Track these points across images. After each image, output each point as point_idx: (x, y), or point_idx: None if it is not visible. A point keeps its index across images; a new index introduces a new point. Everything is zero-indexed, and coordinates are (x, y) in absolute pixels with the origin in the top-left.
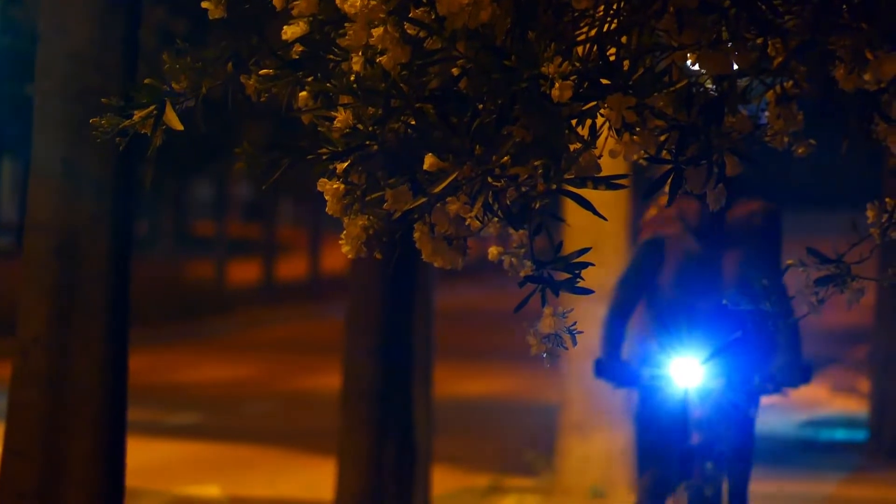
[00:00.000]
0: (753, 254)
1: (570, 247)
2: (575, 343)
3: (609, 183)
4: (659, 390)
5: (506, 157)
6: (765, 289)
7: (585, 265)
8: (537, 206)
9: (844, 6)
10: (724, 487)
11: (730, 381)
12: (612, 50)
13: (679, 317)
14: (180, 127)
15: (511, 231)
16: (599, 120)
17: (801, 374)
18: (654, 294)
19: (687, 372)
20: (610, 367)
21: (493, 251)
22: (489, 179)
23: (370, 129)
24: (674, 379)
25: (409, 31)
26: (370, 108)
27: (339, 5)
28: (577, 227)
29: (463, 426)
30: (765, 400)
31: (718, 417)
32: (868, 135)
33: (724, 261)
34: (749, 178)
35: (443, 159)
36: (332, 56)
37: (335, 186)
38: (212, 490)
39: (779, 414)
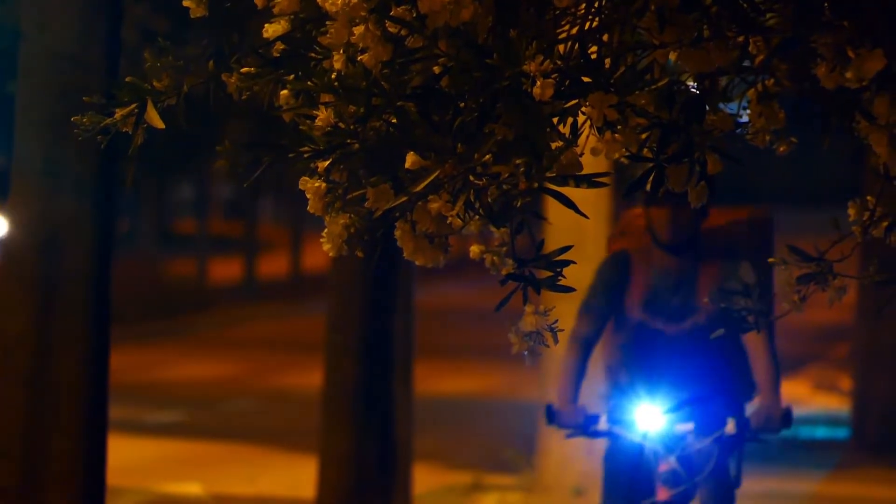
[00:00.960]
0: (736, 270)
1: (551, 245)
2: (556, 341)
3: (591, 181)
4: (621, 440)
5: (487, 156)
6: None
7: (567, 263)
8: (519, 204)
9: (826, 4)
10: None
11: (700, 427)
12: (594, 48)
13: (648, 344)
14: (161, 125)
15: (492, 229)
16: (581, 118)
17: (782, 419)
18: (620, 317)
19: (651, 417)
20: (565, 413)
21: (474, 249)
22: (471, 178)
23: (352, 127)
24: (637, 426)
25: (390, 30)
26: (351, 106)
27: (320, 3)
28: (559, 226)
29: (444, 424)
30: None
31: (688, 470)
32: (850, 133)
33: (700, 279)
34: (729, 183)
35: (424, 157)
36: (313, 54)
37: (317, 185)
38: (193, 488)
39: None
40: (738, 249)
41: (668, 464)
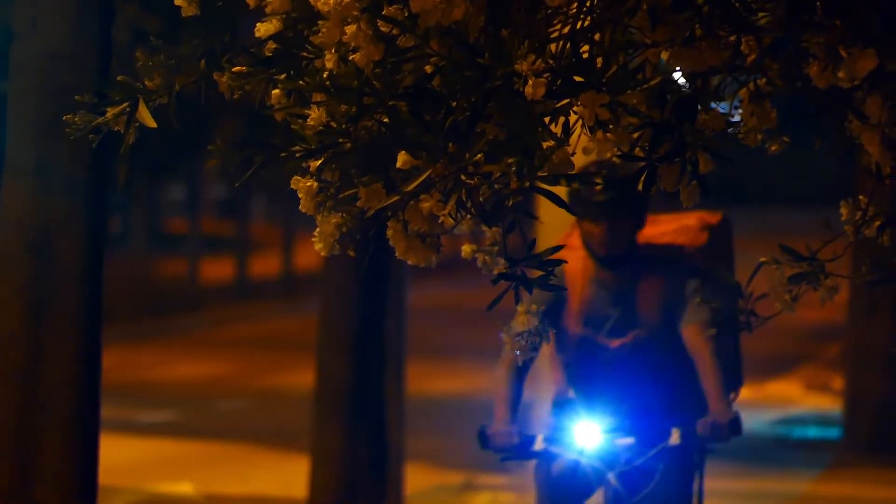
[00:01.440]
0: (681, 280)
1: (543, 244)
2: (548, 340)
3: (582, 180)
4: (556, 458)
5: (479, 155)
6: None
7: (559, 262)
8: (510, 203)
9: (818, 3)
10: None
11: (641, 441)
12: (586, 47)
13: (592, 359)
14: (153, 124)
15: (484, 228)
16: (573, 117)
17: (730, 427)
18: (561, 334)
19: (589, 433)
20: (499, 435)
21: (466, 249)
22: (462, 177)
23: (343, 126)
24: (575, 443)
25: (382, 29)
26: (343, 105)
27: (312, 3)
28: (550, 225)
29: (436, 424)
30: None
31: (630, 488)
32: (842, 132)
33: (641, 291)
34: (722, 183)
35: (416, 157)
36: (305, 53)
37: (308, 184)
38: (185, 487)
39: (752, 412)
40: (684, 258)
41: (608, 482)
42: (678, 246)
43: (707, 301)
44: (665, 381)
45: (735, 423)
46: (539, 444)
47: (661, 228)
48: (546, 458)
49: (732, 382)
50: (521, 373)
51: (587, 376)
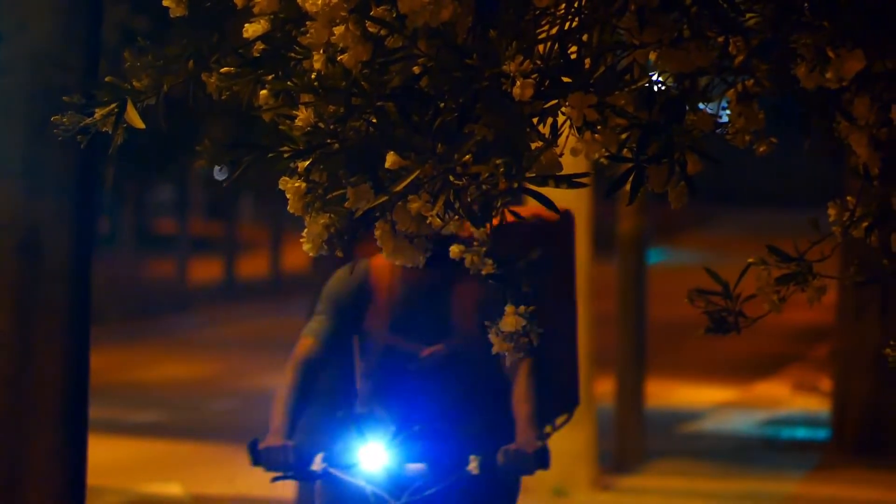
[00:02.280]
0: (495, 286)
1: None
2: (537, 341)
3: (570, 181)
4: (338, 483)
5: (467, 156)
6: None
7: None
8: (499, 204)
9: (806, 4)
10: None
11: (434, 467)
12: (574, 48)
13: (396, 370)
14: (141, 125)
15: (472, 229)
16: (561, 118)
17: (536, 458)
18: (364, 339)
19: (377, 455)
20: (273, 450)
21: (454, 249)
22: (451, 178)
23: (332, 127)
24: (360, 466)
25: (370, 30)
26: (331, 106)
27: (300, 3)
28: None
29: None
30: (722, 397)
31: None
32: (830, 133)
33: (456, 295)
34: (710, 184)
35: (404, 157)
36: (293, 54)
37: (297, 185)
38: (173, 488)
39: (740, 413)
40: (508, 260)
41: None
42: (506, 246)
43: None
44: (479, 399)
45: (541, 455)
46: (317, 464)
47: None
48: (325, 480)
49: (560, 405)
50: (306, 378)
51: (391, 388)
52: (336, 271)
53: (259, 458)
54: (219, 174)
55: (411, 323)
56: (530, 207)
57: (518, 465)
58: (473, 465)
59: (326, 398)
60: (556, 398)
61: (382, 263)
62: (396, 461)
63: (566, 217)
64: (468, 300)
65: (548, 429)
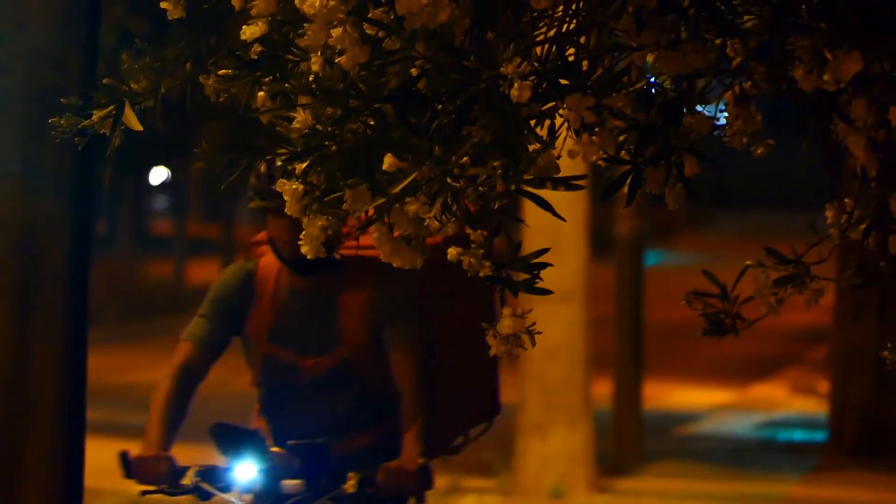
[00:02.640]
0: (393, 292)
1: (528, 247)
2: (534, 343)
3: (568, 183)
4: (211, 501)
5: (465, 158)
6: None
7: (544, 265)
8: (496, 206)
9: (803, 6)
10: None
11: (311, 485)
12: (571, 50)
13: (280, 381)
14: (139, 127)
15: (469, 231)
16: (558, 120)
17: (418, 477)
18: (248, 347)
19: (251, 471)
20: (146, 462)
21: (451, 251)
22: (448, 180)
23: (329, 129)
24: (234, 482)
25: (367, 32)
26: (329, 108)
27: (297, 5)
28: (536, 228)
29: None
30: (720, 399)
31: None
32: (827, 135)
33: (343, 305)
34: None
35: (402, 160)
36: (290, 56)
37: (294, 187)
38: None
39: (738, 415)
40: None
41: None
42: None
43: (410, 319)
44: (366, 413)
45: (423, 474)
46: (189, 479)
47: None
48: (198, 495)
49: (476, 415)
50: (185, 384)
51: (271, 400)
52: (224, 271)
53: (130, 470)
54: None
55: (295, 332)
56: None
57: (399, 483)
58: (351, 483)
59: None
60: (471, 408)
61: (270, 266)
62: (272, 477)
63: None
64: (357, 310)
65: (460, 440)
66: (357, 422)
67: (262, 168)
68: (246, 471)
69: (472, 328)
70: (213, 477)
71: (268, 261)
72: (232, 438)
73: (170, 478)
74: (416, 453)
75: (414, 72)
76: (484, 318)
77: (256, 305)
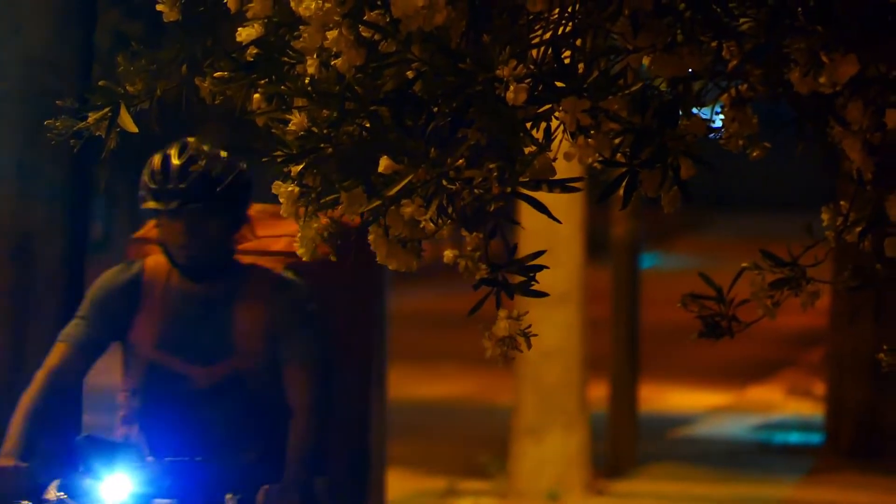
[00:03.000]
0: (292, 303)
1: (524, 249)
2: (530, 346)
3: (564, 186)
4: None
5: (461, 160)
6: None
7: (540, 268)
8: (492, 208)
9: (799, 9)
10: None
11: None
12: (567, 53)
13: (165, 392)
14: (134, 129)
15: (465, 234)
16: (554, 123)
17: (302, 500)
18: (129, 354)
19: (117, 491)
20: (3, 472)
21: (447, 254)
22: (444, 182)
23: (325, 131)
24: (102, 499)
25: (363, 34)
26: (325, 110)
27: (293, 8)
28: (532, 230)
29: (418, 429)
30: (716, 402)
31: None
32: (823, 138)
33: (239, 312)
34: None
35: (398, 162)
36: (286, 58)
37: (290, 189)
38: None
39: (734, 417)
40: (301, 270)
41: None
42: (291, 255)
43: (320, 333)
44: (255, 429)
45: (308, 495)
46: (51, 493)
47: (278, 229)
48: None
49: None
50: (52, 390)
51: (152, 411)
52: (107, 271)
53: None
54: None
55: (185, 340)
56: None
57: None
58: None
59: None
60: (353, 427)
61: (158, 268)
62: (143, 494)
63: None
64: (253, 320)
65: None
66: (243, 437)
67: (157, 164)
68: (115, 486)
69: (358, 339)
70: (78, 491)
71: (156, 262)
72: (103, 451)
73: (29, 491)
74: (303, 475)
75: (410, 74)
76: (370, 328)
77: (143, 309)
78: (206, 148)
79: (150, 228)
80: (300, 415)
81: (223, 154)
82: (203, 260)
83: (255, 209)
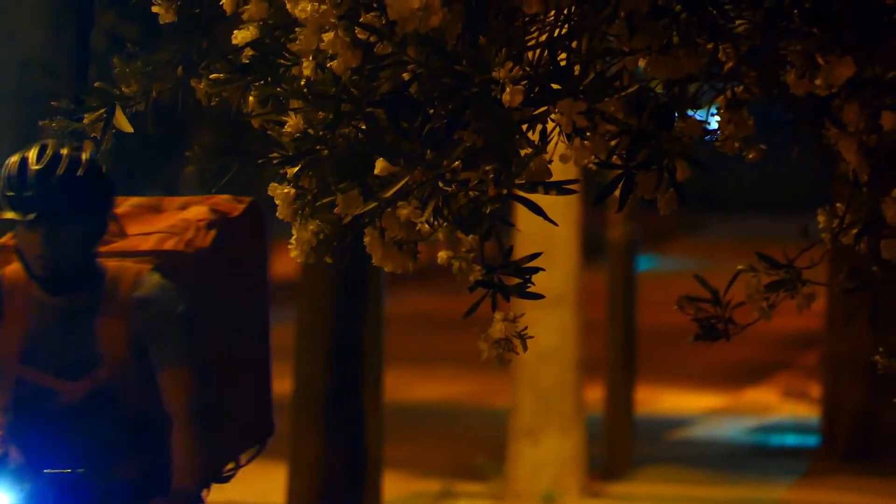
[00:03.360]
0: (161, 306)
1: (520, 252)
2: (525, 348)
3: (559, 188)
4: None
5: (456, 162)
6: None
7: (536, 270)
8: (488, 210)
9: (795, 11)
10: None
11: None
12: (563, 55)
13: (33, 407)
14: (129, 128)
15: (461, 236)
16: (550, 125)
17: None
18: None
19: None
20: None
21: (443, 256)
22: (440, 184)
23: (321, 133)
24: None
25: (359, 36)
26: (321, 112)
27: (289, 10)
28: (528, 232)
29: (414, 431)
30: (712, 404)
31: None
32: (819, 140)
33: (103, 321)
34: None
35: (393, 164)
36: (282, 60)
37: (285, 191)
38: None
39: (730, 419)
40: (172, 270)
41: None
42: (166, 253)
43: (194, 335)
44: (132, 441)
45: (195, 500)
46: None
47: (151, 225)
48: None
49: (247, 438)
50: None
51: (26, 428)
52: None
53: None
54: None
55: (50, 353)
56: (215, 198)
57: None
58: None
59: None
60: (241, 431)
61: (17, 278)
62: None
63: (254, 209)
64: (118, 329)
65: (230, 466)
66: (120, 451)
67: (14, 170)
68: None
69: (241, 342)
70: None
71: (15, 272)
72: None
73: None
74: (189, 486)
75: (406, 76)
76: (254, 329)
77: (4, 322)
78: (65, 151)
79: (9, 237)
80: (180, 423)
81: (85, 156)
82: (61, 270)
83: (131, 203)
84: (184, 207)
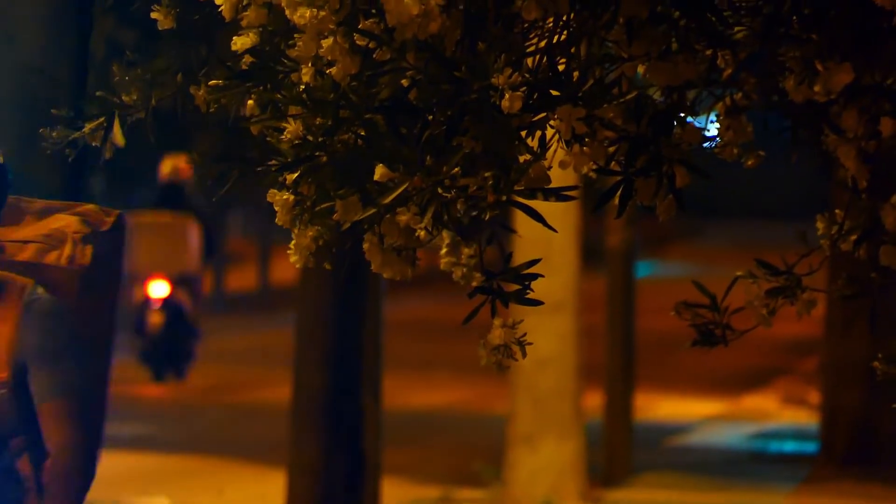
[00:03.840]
0: (34, 326)
1: (519, 258)
2: (524, 354)
3: (559, 194)
4: None
5: (456, 168)
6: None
7: (535, 276)
8: (487, 217)
9: (794, 17)
10: None
11: None
12: (562, 61)
13: None
14: (122, 142)
15: (460, 243)
16: (549, 131)
17: None
18: None
19: None
20: None
21: (443, 262)
22: (439, 190)
23: (320, 139)
24: None
25: (358, 42)
26: (320, 118)
27: (288, 16)
28: (527, 239)
29: (413, 437)
30: (711, 410)
31: None
32: (818, 146)
33: None
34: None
35: (393, 170)
36: (281, 67)
37: (285, 197)
38: (161, 501)
39: (729, 426)
40: (45, 284)
41: None
42: (48, 268)
43: (64, 362)
44: (9, 453)
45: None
46: None
47: (20, 230)
48: None
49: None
50: None
51: None
52: None
53: None
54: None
55: None
56: (85, 206)
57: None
58: None
59: None
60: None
61: None
62: None
63: (119, 224)
64: (4, 335)
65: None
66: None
67: None
68: None
69: (92, 348)
70: None
71: None
72: None
73: None
74: (67, 499)
75: (405, 82)
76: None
77: None
78: None
79: None
80: (54, 461)
81: None
82: None
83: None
84: (46, 212)
